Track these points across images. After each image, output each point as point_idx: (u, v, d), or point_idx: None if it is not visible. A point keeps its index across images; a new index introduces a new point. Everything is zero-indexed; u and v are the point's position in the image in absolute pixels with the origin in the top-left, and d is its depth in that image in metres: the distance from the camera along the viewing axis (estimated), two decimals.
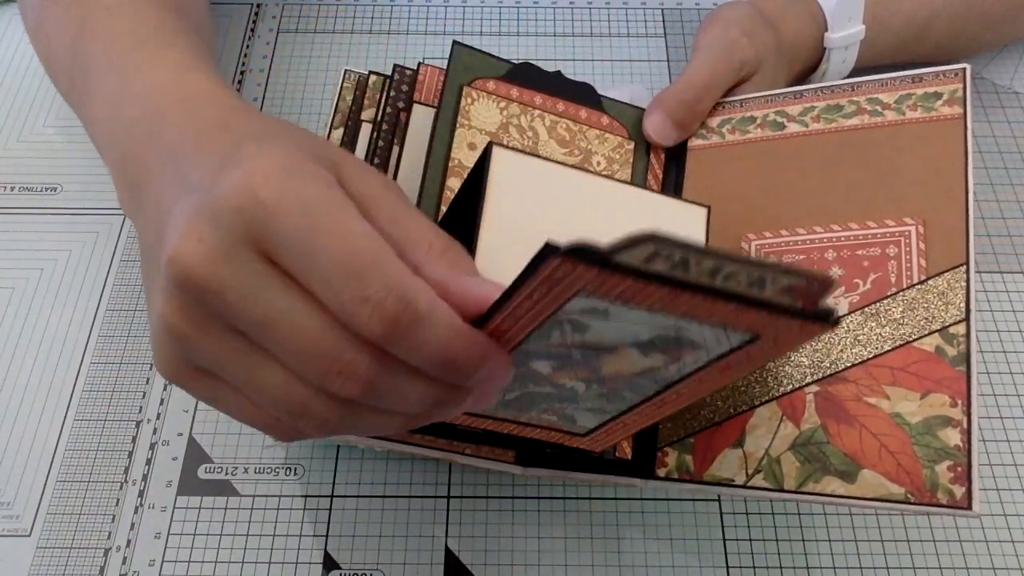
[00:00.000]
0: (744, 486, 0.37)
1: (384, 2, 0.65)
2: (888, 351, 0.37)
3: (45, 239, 0.53)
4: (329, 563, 0.43)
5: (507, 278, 0.27)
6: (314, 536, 0.43)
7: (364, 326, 0.26)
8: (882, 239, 0.39)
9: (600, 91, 0.47)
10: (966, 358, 0.35)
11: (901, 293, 0.38)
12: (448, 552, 0.43)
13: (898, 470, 0.35)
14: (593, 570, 0.43)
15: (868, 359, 0.37)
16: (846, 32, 0.52)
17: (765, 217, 0.43)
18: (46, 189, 0.55)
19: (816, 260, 0.40)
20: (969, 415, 0.34)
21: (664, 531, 0.43)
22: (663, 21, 0.65)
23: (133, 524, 0.44)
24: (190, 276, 0.26)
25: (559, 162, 0.40)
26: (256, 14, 0.65)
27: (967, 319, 0.36)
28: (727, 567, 0.43)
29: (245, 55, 0.62)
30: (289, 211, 0.26)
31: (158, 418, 0.47)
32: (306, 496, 0.45)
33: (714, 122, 0.47)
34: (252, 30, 0.64)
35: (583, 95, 0.47)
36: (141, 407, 0.47)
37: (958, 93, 0.40)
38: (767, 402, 0.38)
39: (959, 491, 0.33)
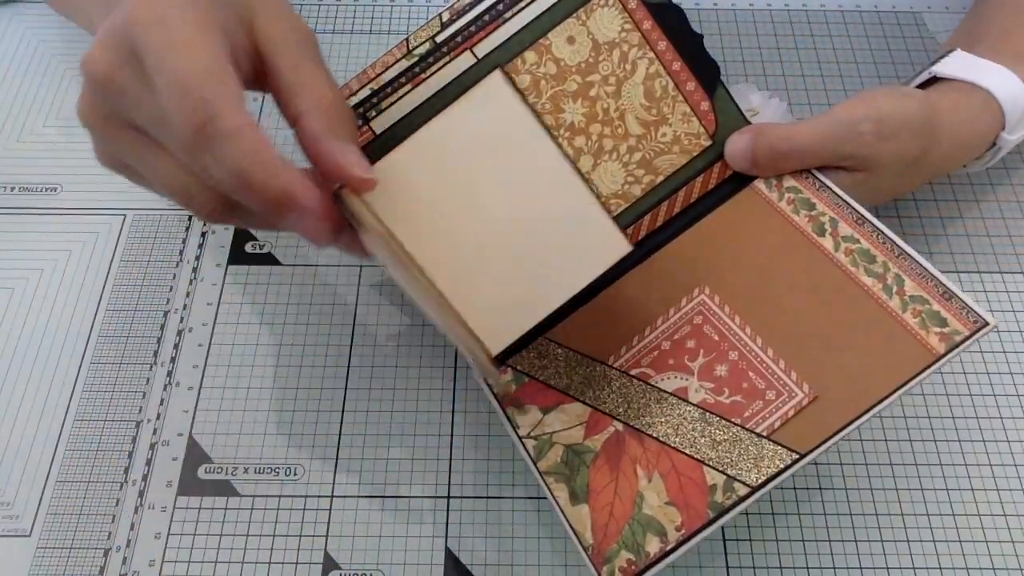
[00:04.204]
0: (519, 439, 0.42)
1: (384, 2, 0.65)
2: (684, 453, 0.39)
3: (45, 239, 0.53)
4: (329, 563, 0.43)
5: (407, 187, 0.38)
6: (314, 536, 0.43)
7: (177, 129, 0.32)
8: (775, 381, 0.40)
9: (742, 89, 0.44)
10: (722, 511, 0.37)
11: (738, 428, 0.39)
12: (448, 552, 0.43)
13: (604, 529, 0.39)
14: None
15: (667, 444, 0.40)
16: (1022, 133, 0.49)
17: (729, 290, 0.43)
18: (46, 189, 0.55)
19: (724, 351, 0.41)
20: (677, 547, 0.37)
21: None
22: None
23: (133, 524, 0.44)
24: (96, 78, 0.33)
25: (537, 117, 0.41)
26: None
27: (756, 491, 0.37)
28: (727, 567, 0.43)
29: None
30: (149, 25, 0.32)
31: (158, 418, 0.47)
32: (306, 496, 0.45)
33: (788, 182, 0.45)
34: None
35: (704, 70, 0.45)
36: (141, 407, 0.47)
37: (957, 336, 0.38)
38: (588, 406, 0.42)
39: None
